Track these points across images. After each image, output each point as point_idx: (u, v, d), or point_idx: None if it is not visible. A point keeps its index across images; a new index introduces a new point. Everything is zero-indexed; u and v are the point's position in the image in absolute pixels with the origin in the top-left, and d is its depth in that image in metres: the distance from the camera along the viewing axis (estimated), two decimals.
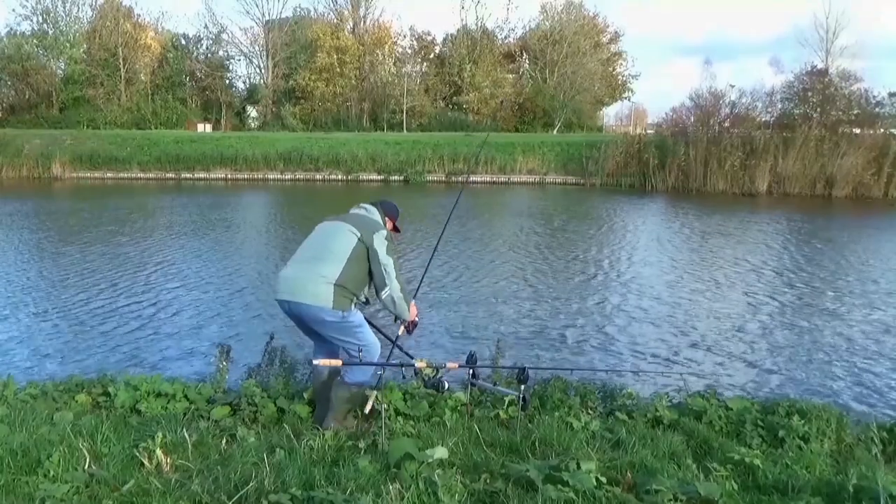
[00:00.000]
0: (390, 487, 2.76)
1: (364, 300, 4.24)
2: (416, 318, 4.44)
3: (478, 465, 3.29)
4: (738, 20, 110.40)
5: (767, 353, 8.17)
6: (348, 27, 54.98)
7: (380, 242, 4.14)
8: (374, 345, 4.26)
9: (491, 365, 5.35)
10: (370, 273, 4.15)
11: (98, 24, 50.62)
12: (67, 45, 50.27)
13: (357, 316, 4.18)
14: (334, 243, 4.14)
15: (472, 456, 3.41)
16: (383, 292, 4.13)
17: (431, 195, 29.02)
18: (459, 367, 4.53)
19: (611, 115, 67.55)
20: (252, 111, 58.06)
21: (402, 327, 4.46)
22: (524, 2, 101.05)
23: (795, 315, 9.98)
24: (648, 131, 40.49)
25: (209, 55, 55.45)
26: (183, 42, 54.79)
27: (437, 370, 4.64)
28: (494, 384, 4.73)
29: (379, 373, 4.32)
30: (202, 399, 4.46)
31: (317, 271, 4.05)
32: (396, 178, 33.82)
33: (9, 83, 49.64)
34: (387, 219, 4.52)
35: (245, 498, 2.83)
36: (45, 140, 35.34)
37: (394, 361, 4.44)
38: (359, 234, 4.12)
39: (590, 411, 4.47)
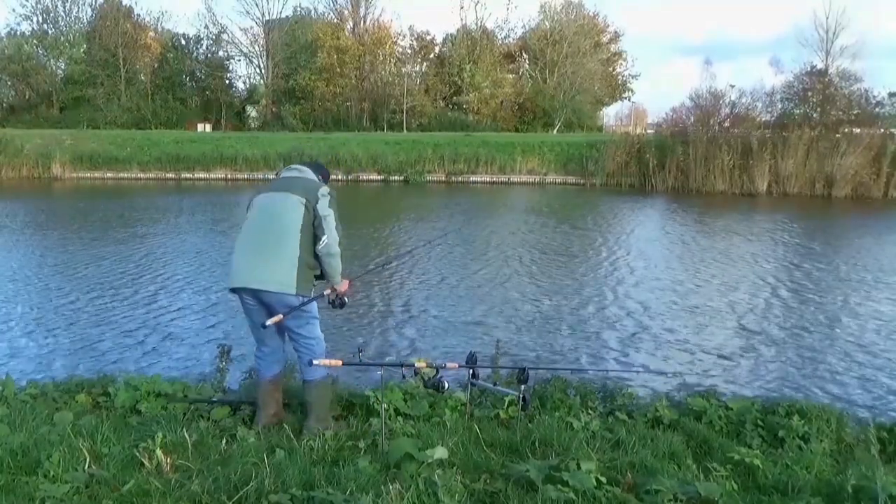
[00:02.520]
0: (390, 487, 2.76)
1: (319, 272, 4.08)
2: (345, 296, 4.19)
3: (478, 465, 3.29)
4: (738, 20, 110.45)
5: (768, 353, 8.17)
6: (348, 27, 54.95)
7: (323, 195, 4.01)
8: (322, 340, 4.15)
9: (491, 365, 5.35)
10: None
11: (98, 24, 50.63)
12: (67, 45, 50.36)
13: (313, 305, 4.08)
14: (286, 217, 3.96)
15: (472, 456, 3.41)
16: (320, 243, 3.93)
17: (431, 196, 29.03)
18: (459, 367, 4.53)
19: (611, 115, 67.59)
20: (252, 111, 58.06)
21: (328, 290, 4.15)
22: (524, 2, 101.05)
23: (796, 315, 9.98)
24: (648, 131, 40.46)
25: (209, 55, 55.42)
26: (183, 42, 54.78)
27: (437, 370, 4.65)
28: (494, 384, 4.73)
29: (379, 373, 4.30)
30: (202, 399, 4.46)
31: (279, 254, 3.93)
32: (396, 178, 33.80)
33: (9, 83, 49.72)
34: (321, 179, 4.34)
35: (245, 498, 2.83)
36: (45, 140, 35.29)
37: (394, 361, 4.43)
38: (304, 201, 3.97)
39: (590, 411, 4.47)
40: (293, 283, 3.92)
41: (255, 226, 4.06)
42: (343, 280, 4.13)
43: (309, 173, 4.26)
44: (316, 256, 4.00)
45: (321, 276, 4.09)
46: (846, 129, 30.01)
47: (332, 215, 3.97)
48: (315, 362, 4.18)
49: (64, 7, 51.70)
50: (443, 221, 20.13)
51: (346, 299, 4.22)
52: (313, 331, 4.10)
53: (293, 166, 4.31)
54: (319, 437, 3.73)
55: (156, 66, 52.72)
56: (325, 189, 4.07)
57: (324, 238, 3.93)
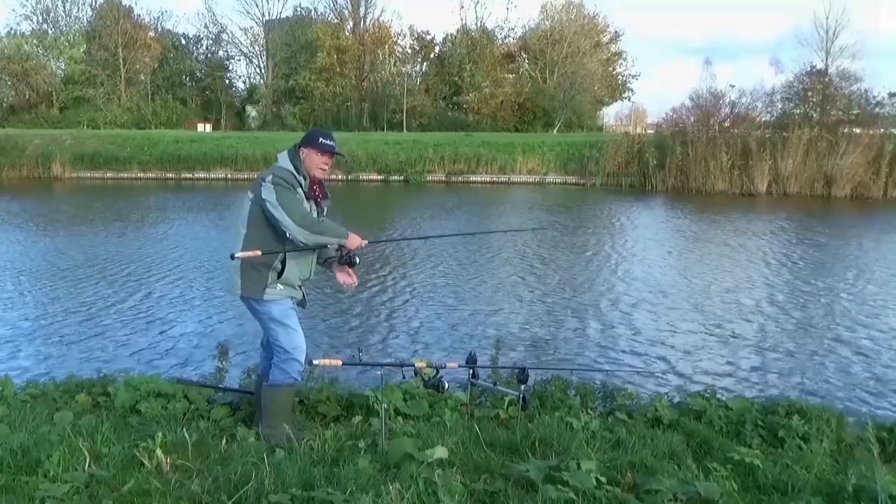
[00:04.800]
0: (390, 487, 2.76)
1: (280, 268, 3.85)
2: (354, 254, 3.96)
3: (478, 465, 3.29)
4: (738, 20, 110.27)
5: (768, 353, 8.16)
6: (348, 27, 54.99)
7: (268, 192, 3.76)
8: (294, 349, 3.91)
9: (491, 365, 5.35)
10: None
11: (98, 24, 50.68)
12: (67, 45, 50.36)
13: (274, 309, 3.87)
14: (238, 217, 3.93)
15: (472, 456, 3.41)
16: (289, 236, 3.79)
17: (431, 195, 29.02)
18: (459, 367, 4.54)
19: (611, 115, 67.47)
20: (252, 111, 58.13)
21: (335, 246, 3.97)
22: (524, 2, 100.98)
23: (796, 315, 9.97)
24: (648, 131, 40.46)
25: (209, 55, 55.53)
26: (183, 42, 54.86)
27: (437, 370, 4.65)
28: (494, 384, 4.73)
29: (379, 373, 4.30)
30: (202, 399, 4.46)
31: (231, 256, 3.90)
32: (396, 178, 33.80)
33: (9, 83, 49.72)
34: (305, 150, 3.97)
35: (245, 498, 2.83)
36: (45, 140, 35.32)
37: (394, 361, 4.40)
38: (251, 195, 3.86)
39: (590, 411, 4.47)
40: (237, 285, 3.87)
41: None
42: (352, 236, 3.91)
43: (280, 161, 3.97)
44: (270, 257, 3.83)
45: (282, 273, 3.87)
46: (846, 129, 30.01)
47: (280, 210, 3.72)
48: (315, 362, 4.19)
49: (64, 7, 51.83)
50: (452, 221, 20.13)
51: (356, 259, 3.99)
52: (278, 336, 3.90)
53: (277, 155, 4.09)
54: (320, 436, 3.73)
55: (156, 66, 52.74)
56: (268, 181, 3.78)
57: (288, 234, 3.77)
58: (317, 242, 3.86)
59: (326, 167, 4.06)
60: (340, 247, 3.96)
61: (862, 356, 8.06)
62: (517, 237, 16.36)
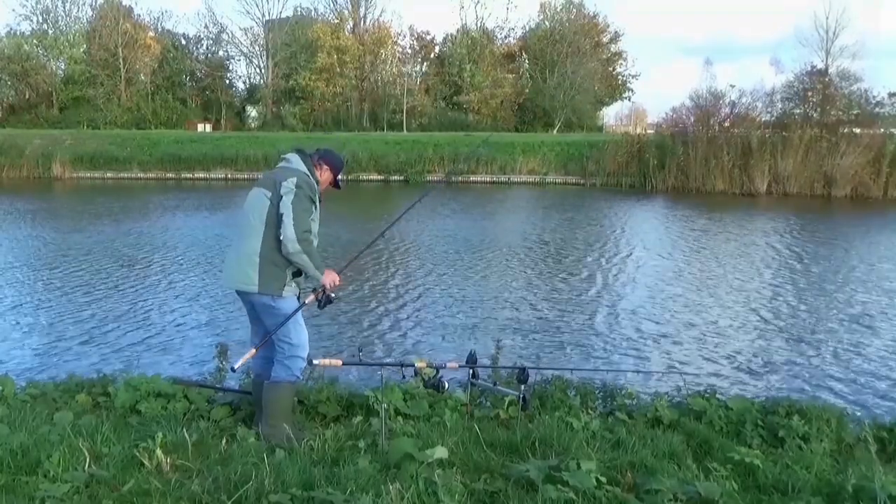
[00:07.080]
0: (390, 487, 2.76)
1: (297, 270, 3.90)
2: (331, 287, 3.94)
3: (478, 465, 3.29)
4: (739, 20, 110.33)
5: (768, 354, 8.17)
6: (348, 27, 54.98)
7: (287, 190, 3.79)
8: (300, 346, 3.97)
9: (491, 365, 5.35)
10: None
11: (98, 24, 50.65)
12: (67, 45, 50.33)
13: (289, 304, 3.90)
14: (253, 214, 3.90)
15: (472, 456, 3.41)
16: (280, 238, 3.77)
17: (431, 195, 29.00)
18: (459, 367, 4.53)
19: (611, 115, 67.53)
20: (252, 111, 58.08)
21: (311, 298, 3.98)
22: (524, 2, 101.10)
23: (796, 315, 9.97)
24: (648, 131, 40.46)
25: (209, 55, 55.49)
26: (183, 42, 54.82)
27: (437, 370, 4.65)
28: (494, 384, 4.73)
29: (379, 373, 4.30)
30: (202, 399, 4.46)
31: (242, 251, 3.90)
32: (396, 178, 33.80)
33: (9, 83, 49.71)
34: (324, 166, 4.12)
35: (245, 498, 2.83)
36: (45, 140, 35.33)
37: (394, 361, 4.40)
38: (269, 194, 3.85)
39: (590, 411, 4.47)
40: (253, 281, 3.84)
41: (235, 223, 4.12)
42: (327, 272, 3.90)
43: (293, 162, 4.02)
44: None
45: (299, 273, 3.91)
46: (846, 129, 30.00)
47: (291, 210, 3.75)
48: (315, 362, 4.18)
49: (64, 7, 51.74)
50: (455, 222, 20.13)
51: (332, 295, 3.96)
52: (288, 333, 3.92)
53: (285, 155, 4.13)
54: (320, 436, 3.73)
55: (156, 66, 52.69)
56: (290, 182, 3.81)
57: (280, 236, 3.77)
58: (301, 261, 3.81)
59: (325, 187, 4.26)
60: (317, 289, 3.95)
61: (865, 356, 8.05)
62: (520, 238, 16.37)
